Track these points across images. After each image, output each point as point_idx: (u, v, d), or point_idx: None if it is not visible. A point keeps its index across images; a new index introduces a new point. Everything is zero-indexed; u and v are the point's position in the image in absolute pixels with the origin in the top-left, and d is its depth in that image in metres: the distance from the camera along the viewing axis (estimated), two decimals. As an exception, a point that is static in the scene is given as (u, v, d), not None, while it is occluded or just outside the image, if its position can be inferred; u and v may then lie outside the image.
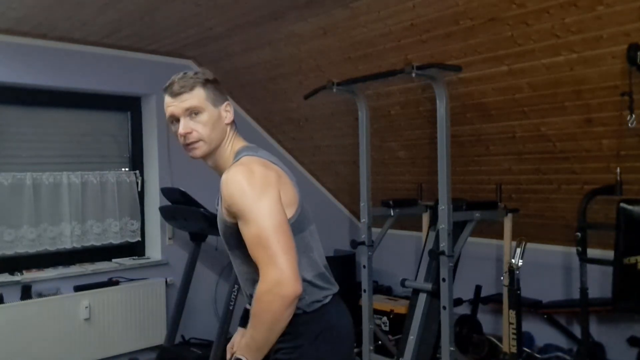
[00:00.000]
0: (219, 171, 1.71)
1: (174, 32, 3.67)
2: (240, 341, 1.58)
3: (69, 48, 3.84)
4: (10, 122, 3.85)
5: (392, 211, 3.72)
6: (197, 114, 1.62)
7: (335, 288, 1.70)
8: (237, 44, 3.84)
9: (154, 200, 4.29)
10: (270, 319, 1.46)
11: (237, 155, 1.65)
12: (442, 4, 2.87)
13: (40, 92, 3.89)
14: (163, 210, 3.95)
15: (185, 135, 1.62)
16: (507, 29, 2.84)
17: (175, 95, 1.63)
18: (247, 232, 1.51)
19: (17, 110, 3.88)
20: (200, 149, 1.65)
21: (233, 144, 1.70)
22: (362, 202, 3.57)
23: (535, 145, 3.40)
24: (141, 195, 4.38)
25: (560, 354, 3.76)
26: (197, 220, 3.60)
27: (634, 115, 2.69)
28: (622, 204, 2.78)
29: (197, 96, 1.62)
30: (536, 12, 2.68)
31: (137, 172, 4.37)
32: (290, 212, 1.58)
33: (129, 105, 4.37)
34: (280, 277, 1.43)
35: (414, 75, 2.86)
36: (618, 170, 2.99)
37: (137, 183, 4.36)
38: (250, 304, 1.71)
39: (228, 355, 1.82)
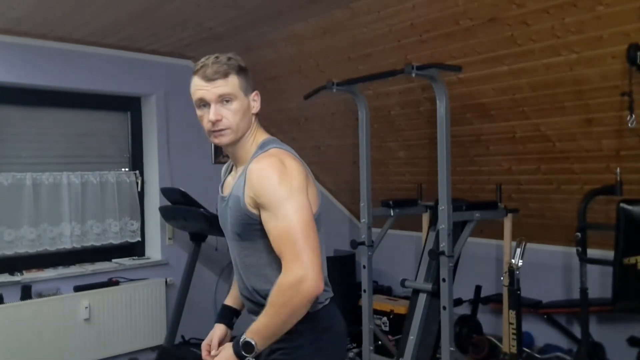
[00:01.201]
0: (236, 159, 1.69)
1: (174, 32, 3.67)
2: (250, 326, 1.54)
3: (69, 48, 3.84)
4: (10, 122, 3.85)
5: (392, 211, 3.72)
6: (228, 101, 1.59)
7: (331, 292, 1.71)
8: (237, 44, 3.84)
9: (154, 201, 4.29)
10: (288, 313, 1.46)
11: (264, 146, 1.63)
12: (442, 4, 2.87)
13: (40, 92, 3.89)
14: (163, 210, 3.95)
15: (215, 122, 1.59)
16: (507, 29, 2.84)
17: (208, 79, 1.58)
18: (274, 226, 1.49)
19: (17, 110, 3.88)
20: (228, 137, 1.62)
21: (256, 135, 1.68)
22: (362, 202, 3.57)
23: (535, 145, 3.40)
24: (141, 195, 4.38)
25: (560, 354, 3.76)
26: (197, 220, 3.60)
27: (634, 115, 2.69)
28: (622, 204, 2.78)
29: (232, 83, 1.59)
30: (536, 12, 2.68)
31: (137, 172, 4.37)
32: (314, 208, 1.58)
33: (129, 105, 4.37)
34: (305, 275, 1.42)
35: (414, 75, 2.86)
36: (618, 170, 2.99)
37: (137, 183, 4.36)
38: (248, 298, 1.70)
39: (204, 353, 1.78)
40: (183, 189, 3.78)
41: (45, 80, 3.79)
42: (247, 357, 1.49)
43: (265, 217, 1.52)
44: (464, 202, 3.36)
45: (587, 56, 2.74)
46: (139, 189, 4.37)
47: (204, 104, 1.61)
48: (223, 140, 1.62)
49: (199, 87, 1.60)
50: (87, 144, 4.19)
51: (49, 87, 3.88)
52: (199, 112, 1.63)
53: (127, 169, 4.36)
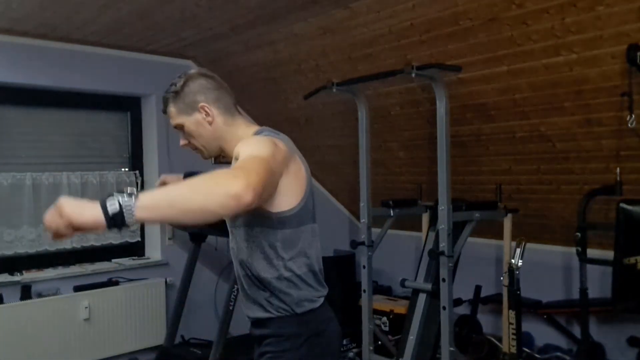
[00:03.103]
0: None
1: (174, 32, 3.67)
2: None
3: (69, 48, 3.84)
4: (10, 122, 3.85)
5: (392, 211, 3.72)
6: (181, 129, 1.69)
7: (325, 291, 1.66)
8: (237, 44, 3.84)
9: (154, 200, 4.29)
10: (203, 188, 1.25)
11: (256, 134, 1.64)
12: (442, 4, 2.87)
13: (40, 92, 3.89)
14: (163, 210, 3.94)
15: (187, 146, 1.71)
16: (507, 29, 2.84)
17: (165, 114, 1.72)
18: (239, 158, 1.43)
19: (17, 110, 3.88)
20: (203, 155, 1.74)
21: (239, 131, 1.67)
22: (362, 202, 3.57)
23: (535, 145, 3.40)
24: (141, 195, 4.38)
25: (560, 354, 3.76)
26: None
27: (633, 115, 2.70)
28: (621, 204, 2.78)
29: (173, 115, 1.68)
30: (536, 12, 2.68)
31: (137, 172, 4.37)
32: (294, 202, 1.55)
33: (128, 105, 4.37)
34: (243, 175, 1.26)
35: (413, 75, 2.86)
36: (618, 170, 2.99)
37: (137, 183, 4.36)
38: (241, 287, 1.68)
39: (157, 184, 1.94)
40: (183, 189, 3.77)
41: (45, 80, 3.79)
42: (113, 198, 1.22)
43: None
44: (464, 202, 3.36)
45: (587, 56, 2.74)
46: (139, 189, 4.37)
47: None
48: (204, 156, 1.75)
49: None
50: (87, 144, 4.19)
51: (49, 87, 3.88)
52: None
53: (127, 169, 4.36)
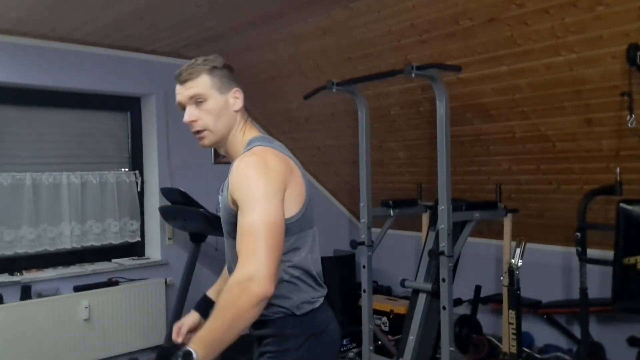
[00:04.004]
0: (231, 158, 1.68)
1: (174, 32, 3.67)
2: (195, 334, 1.51)
3: (69, 48, 3.84)
4: (10, 122, 3.85)
5: (392, 211, 3.72)
6: (201, 101, 1.60)
7: (325, 291, 1.66)
8: (237, 44, 3.84)
9: (154, 201, 4.29)
10: (234, 314, 1.37)
11: (250, 144, 1.61)
12: (442, 4, 2.87)
13: (40, 92, 3.89)
14: (163, 210, 3.95)
15: (190, 123, 1.61)
16: (507, 29, 2.84)
17: (182, 82, 1.61)
18: (241, 221, 1.45)
19: (17, 110, 3.88)
20: (207, 139, 1.63)
21: (245, 132, 1.66)
22: (362, 202, 3.57)
23: (535, 145, 3.40)
24: (141, 195, 4.38)
25: (560, 354, 3.76)
26: (197, 220, 3.60)
27: (633, 116, 2.70)
28: (621, 204, 2.78)
29: (202, 83, 1.60)
30: (536, 12, 2.68)
31: (137, 172, 4.37)
32: (295, 209, 1.55)
33: (128, 105, 4.37)
34: (256, 273, 1.36)
35: (413, 75, 2.86)
36: (618, 170, 2.99)
37: (137, 183, 4.36)
38: None
39: (174, 335, 1.80)
40: (183, 189, 3.78)
41: (45, 80, 3.79)
42: None
43: (238, 214, 1.49)
44: (464, 202, 3.36)
45: (587, 56, 2.74)
46: (139, 189, 4.37)
47: (182, 107, 1.64)
48: (204, 142, 1.64)
49: (176, 92, 1.64)
50: (87, 144, 4.19)
51: (49, 87, 3.88)
52: (184, 117, 1.65)
53: (127, 169, 4.36)
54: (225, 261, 1.76)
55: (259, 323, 1.61)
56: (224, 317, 1.39)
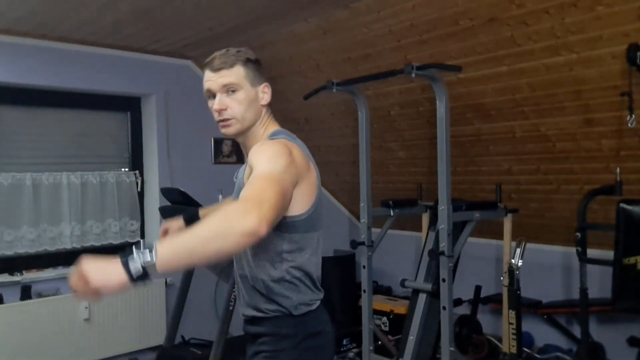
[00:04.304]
0: (247, 152, 1.67)
1: (174, 32, 3.67)
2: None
3: (69, 48, 3.84)
4: (10, 122, 3.85)
5: (392, 211, 3.72)
6: (233, 91, 1.61)
7: (322, 294, 1.66)
8: (237, 44, 3.82)
9: (154, 200, 4.29)
10: (219, 229, 1.26)
11: (274, 135, 1.63)
12: (442, 4, 2.87)
13: (40, 92, 3.89)
14: (163, 210, 3.94)
15: (219, 111, 1.62)
16: (507, 29, 2.84)
17: (215, 70, 1.62)
18: (252, 176, 1.43)
19: (17, 110, 3.88)
20: (233, 127, 1.63)
21: (267, 126, 1.68)
22: (362, 202, 3.57)
23: (535, 145, 3.40)
24: (141, 195, 4.38)
25: (560, 354, 3.76)
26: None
27: (633, 115, 2.69)
28: (621, 204, 2.78)
29: (236, 73, 1.62)
30: (536, 12, 2.68)
31: (137, 172, 4.37)
32: (305, 208, 1.55)
33: (128, 105, 4.36)
34: (259, 207, 1.27)
35: (413, 75, 2.86)
36: (618, 170, 2.99)
37: (137, 183, 4.36)
38: (240, 285, 1.67)
39: (160, 233, 1.89)
40: (183, 189, 3.78)
41: (45, 80, 3.78)
42: (133, 257, 1.27)
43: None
44: (464, 202, 3.36)
45: (587, 56, 2.74)
46: (139, 189, 4.37)
47: (211, 95, 1.64)
48: (229, 130, 1.64)
49: (206, 79, 1.64)
50: (87, 144, 4.19)
51: (49, 87, 3.87)
52: (209, 103, 1.66)
53: (127, 169, 4.36)
54: (225, 262, 1.76)
55: (256, 320, 1.61)
56: (208, 230, 1.26)
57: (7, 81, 3.66)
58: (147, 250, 1.26)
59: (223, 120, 1.63)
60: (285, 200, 1.41)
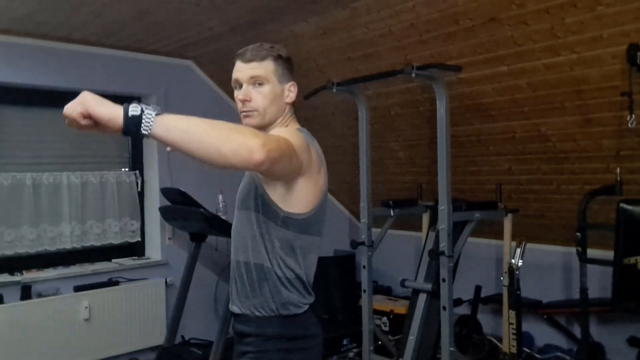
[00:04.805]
0: None
1: (174, 32, 3.67)
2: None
3: (69, 48, 3.84)
4: (10, 122, 3.85)
5: (392, 211, 3.72)
6: (260, 84, 1.63)
7: (312, 298, 1.67)
8: (237, 44, 3.81)
9: (154, 200, 4.29)
10: (223, 131, 1.26)
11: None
12: (442, 4, 2.87)
13: (40, 92, 3.89)
14: (163, 210, 3.95)
15: (243, 102, 1.63)
16: (507, 29, 2.84)
17: (246, 61, 1.64)
18: None
19: (17, 110, 3.88)
20: (254, 119, 1.64)
21: (289, 124, 1.70)
22: (362, 202, 3.57)
23: (535, 145, 3.40)
24: (141, 195, 4.38)
25: (560, 354, 3.76)
26: (197, 220, 3.60)
27: (633, 116, 2.69)
28: (622, 204, 2.78)
29: (265, 67, 1.63)
30: (536, 12, 2.68)
31: (137, 172, 4.37)
32: (307, 207, 1.57)
33: (129, 105, 4.36)
34: (265, 138, 1.30)
35: (413, 75, 2.86)
36: (618, 170, 2.99)
37: (137, 183, 4.36)
38: (236, 273, 1.67)
39: None
40: (183, 189, 3.78)
41: (45, 80, 3.78)
42: (134, 103, 1.22)
43: None
44: (464, 202, 3.36)
45: (587, 56, 2.74)
46: (139, 189, 4.37)
47: (238, 85, 1.66)
48: (250, 121, 1.65)
49: (236, 69, 1.66)
50: (87, 144, 4.19)
51: (49, 87, 3.87)
52: (235, 93, 1.68)
53: (127, 169, 4.36)
54: (224, 259, 1.76)
55: (244, 318, 1.62)
56: (218, 123, 1.27)
57: (7, 81, 3.66)
58: (154, 108, 1.23)
59: (246, 111, 1.64)
60: (292, 160, 1.42)
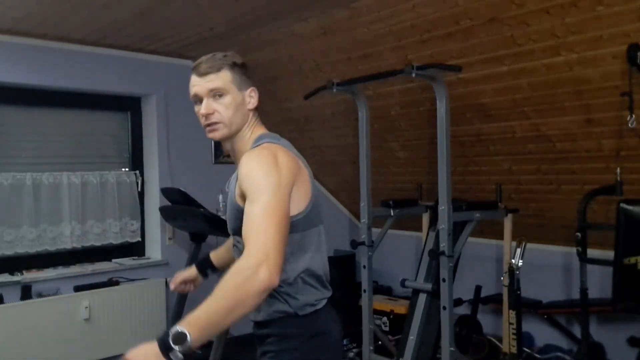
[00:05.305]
0: (235, 155, 1.69)
1: (174, 32, 3.67)
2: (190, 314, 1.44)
3: (69, 48, 3.84)
4: (10, 122, 3.85)
5: (392, 211, 3.72)
6: (220, 95, 1.61)
7: (329, 293, 1.66)
8: (237, 44, 3.84)
9: (154, 200, 4.29)
10: (237, 298, 1.31)
11: (258, 140, 1.63)
12: (442, 4, 2.87)
13: (40, 92, 3.89)
14: (163, 210, 3.95)
15: (206, 116, 1.61)
16: (507, 29, 2.84)
17: (201, 74, 1.62)
18: (248, 209, 1.45)
19: (17, 110, 3.88)
20: (220, 131, 1.63)
21: (253, 130, 1.68)
22: (362, 202, 3.57)
23: (535, 145, 3.39)
24: (141, 195, 4.38)
25: (560, 354, 3.76)
26: (197, 220, 3.60)
27: (634, 116, 2.69)
28: (622, 204, 2.78)
29: (223, 78, 1.61)
30: (536, 12, 2.68)
31: (137, 172, 4.37)
32: (302, 206, 1.56)
33: (129, 105, 4.37)
34: (265, 261, 1.33)
35: (414, 75, 2.86)
36: (618, 170, 2.99)
37: (137, 183, 4.36)
38: None
39: (172, 286, 1.88)
40: (183, 189, 3.78)
41: (45, 80, 3.79)
42: (174, 349, 1.29)
43: (245, 205, 1.48)
44: (464, 202, 3.36)
45: (587, 56, 2.74)
46: (139, 189, 4.37)
47: (198, 99, 1.64)
48: (216, 134, 1.64)
49: (193, 84, 1.64)
50: (87, 144, 4.19)
51: (49, 87, 3.88)
52: (195, 108, 1.66)
53: (127, 169, 4.36)
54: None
55: (262, 323, 1.61)
56: (227, 299, 1.32)
57: (7, 81, 3.66)
58: (180, 334, 1.29)
59: (210, 125, 1.62)
60: (287, 228, 1.44)
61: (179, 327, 1.29)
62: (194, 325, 1.29)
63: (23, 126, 3.90)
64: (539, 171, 3.54)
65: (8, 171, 3.77)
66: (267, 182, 1.45)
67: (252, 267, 1.32)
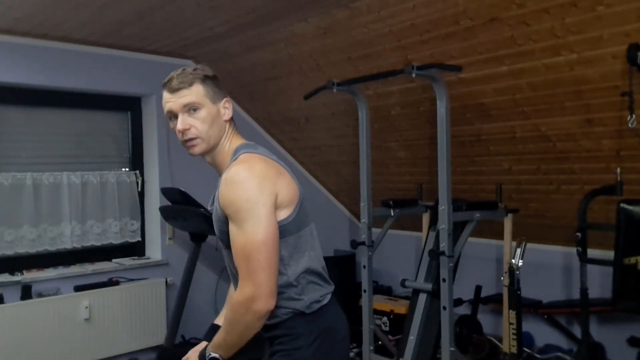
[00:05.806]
0: (217, 168, 1.69)
1: (174, 32, 3.67)
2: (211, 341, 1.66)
3: (69, 48, 3.84)
4: (10, 122, 3.85)
5: (392, 211, 3.72)
6: (195, 110, 1.61)
7: (332, 287, 1.68)
8: (237, 44, 3.84)
9: (154, 200, 4.29)
10: (241, 329, 1.54)
11: (236, 152, 1.63)
12: (442, 4, 2.87)
13: (40, 92, 3.89)
14: (163, 210, 3.95)
15: (183, 132, 1.61)
16: (507, 29, 2.84)
17: (173, 91, 1.62)
18: (234, 239, 1.51)
19: (17, 110, 3.88)
20: (199, 146, 1.63)
21: (231, 141, 1.68)
22: (362, 202, 3.57)
23: (535, 145, 3.39)
24: (141, 195, 4.38)
25: (560, 354, 3.76)
26: (197, 220, 3.60)
27: (634, 116, 2.69)
28: (622, 204, 2.78)
29: (196, 92, 1.61)
30: (536, 12, 2.68)
31: (137, 172, 4.37)
32: (288, 210, 1.57)
33: (129, 105, 4.37)
34: (256, 294, 1.47)
35: (414, 75, 2.86)
36: (618, 170, 2.99)
37: (137, 183, 4.36)
38: None
39: None
40: (183, 189, 3.78)
41: (45, 80, 3.78)
42: None
43: (230, 227, 1.53)
44: (464, 202, 3.36)
45: (587, 56, 2.74)
46: (139, 189, 4.37)
47: (173, 116, 1.63)
48: (195, 150, 1.64)
49: (166, 100, 1.64)
50: (87, 144, 4.19)
51: (49, 87, 3.88)
52: (171, 124, 1.66)
53: (127, 169, 4.36)
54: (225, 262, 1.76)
55: (270, 326, 1.62)
56: (233, 330, 1.56)
57: (7, 81, 3.66)
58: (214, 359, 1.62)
59: (188, 141, 1.62)
60: (275, 247, 1.51)
61: (212, 353, 1.62)
62: (219, 348, 1.61)
63: (23, 126, 3.90)
64: (539, 171, 3.54)
65: (8, 171, 3.77)
66: (248, 206, 1.48)
67: (245, 303, 1.49)
